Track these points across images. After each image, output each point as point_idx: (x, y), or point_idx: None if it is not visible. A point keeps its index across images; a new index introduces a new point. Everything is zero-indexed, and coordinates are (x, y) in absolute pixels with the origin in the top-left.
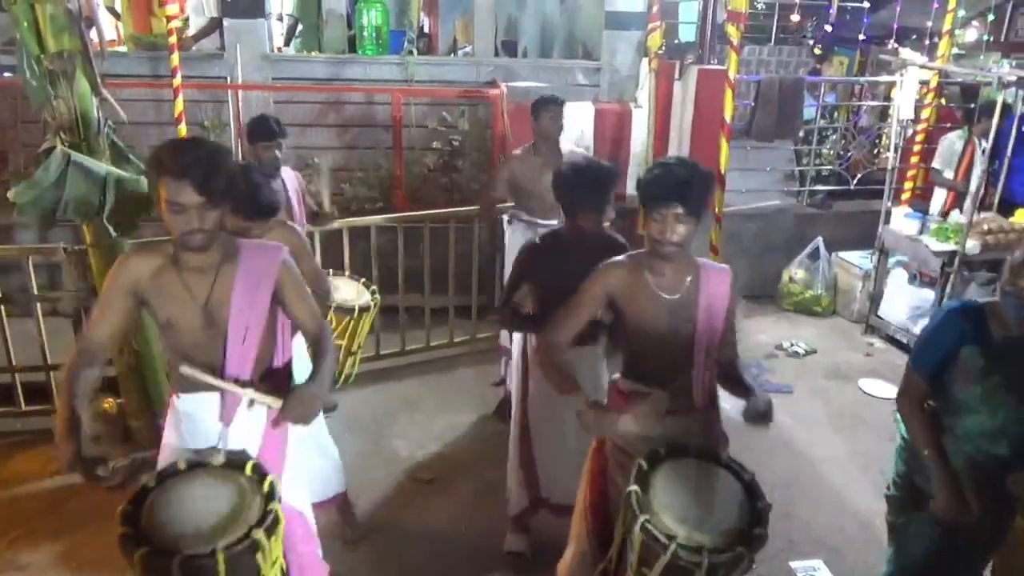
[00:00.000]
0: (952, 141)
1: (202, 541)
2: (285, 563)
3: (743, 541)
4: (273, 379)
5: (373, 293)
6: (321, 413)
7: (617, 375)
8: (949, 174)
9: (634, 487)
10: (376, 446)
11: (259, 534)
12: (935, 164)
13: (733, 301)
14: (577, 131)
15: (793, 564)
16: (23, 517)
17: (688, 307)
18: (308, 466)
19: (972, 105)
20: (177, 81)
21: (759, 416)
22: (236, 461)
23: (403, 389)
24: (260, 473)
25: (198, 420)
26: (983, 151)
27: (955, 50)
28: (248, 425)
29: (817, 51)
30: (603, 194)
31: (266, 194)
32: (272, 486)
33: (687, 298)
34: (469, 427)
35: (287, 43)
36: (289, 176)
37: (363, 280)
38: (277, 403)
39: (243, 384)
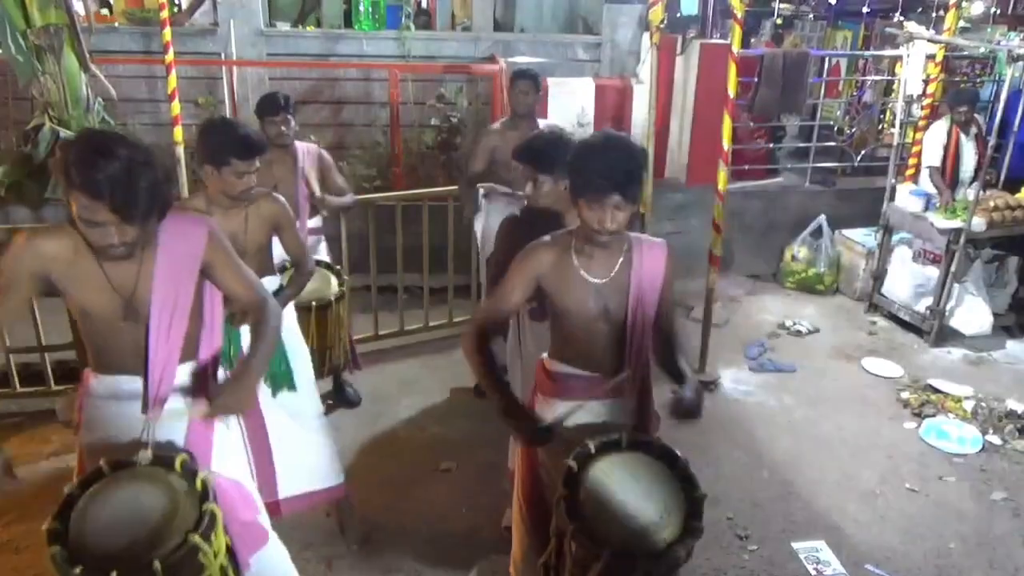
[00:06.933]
0: (938, 132)
1: (138, 552)
2: (228, 536)
3: (681, 535)
4: (200, 375)
5: (341, 284)
6: (318, 401)
7: (545, 354)
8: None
9: (562, 491)
10: (374, 428)
11: (196, 538)
12: (931, 163)
13: (669, 277)
14: (578, 107)
15: (795, 545)
16: (19, 500)
17: (618, 290)
18: (296, 452)
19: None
20: (169, 57)
21: (684, 411)
22: (164, 458)
23: (402, 370)
24: (190, 470)
25: (120, 404)
26: (971, 137)
27: (961, 23)
28: (172, 415)
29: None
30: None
31: (252, 134)
32: (205, 484)
33: (617, 281)
34: (468, 409)
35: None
36: (305, 150)
37: (337, 267)
38: (205, 409)
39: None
